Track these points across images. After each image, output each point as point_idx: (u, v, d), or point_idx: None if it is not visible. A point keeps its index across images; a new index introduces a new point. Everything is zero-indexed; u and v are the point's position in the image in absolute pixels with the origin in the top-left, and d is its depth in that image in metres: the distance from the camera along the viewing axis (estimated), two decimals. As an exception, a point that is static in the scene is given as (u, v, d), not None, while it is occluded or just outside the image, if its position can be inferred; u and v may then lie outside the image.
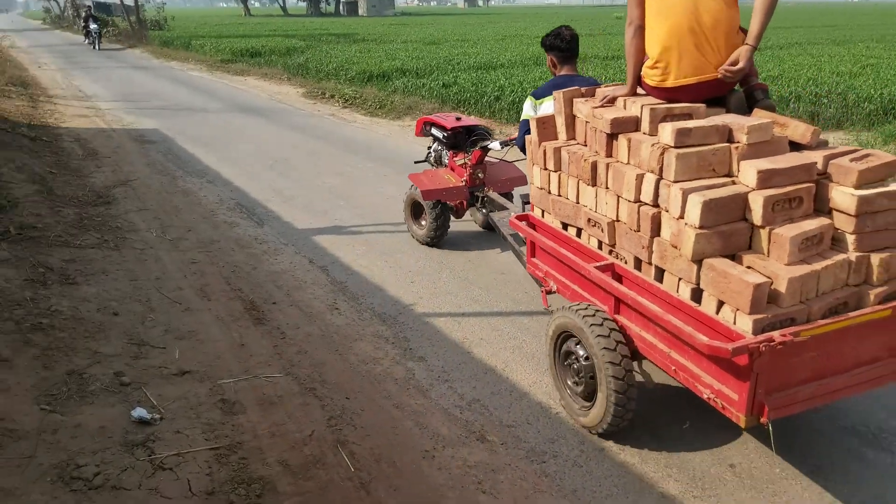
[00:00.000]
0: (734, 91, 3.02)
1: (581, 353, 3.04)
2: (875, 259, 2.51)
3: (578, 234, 3.25)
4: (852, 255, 2.49)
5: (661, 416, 3.22)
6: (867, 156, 2.57)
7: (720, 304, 2.47)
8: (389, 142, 9.91)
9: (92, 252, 5.26)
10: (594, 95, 3.20)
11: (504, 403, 3.36)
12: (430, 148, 5.97)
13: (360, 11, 77.97)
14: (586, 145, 3.13)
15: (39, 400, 3.18)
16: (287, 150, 9.35)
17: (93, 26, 28.83)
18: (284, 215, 6.49)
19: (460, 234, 5.80)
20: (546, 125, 3.35)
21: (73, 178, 7.64)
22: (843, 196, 2.49)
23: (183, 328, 4.07)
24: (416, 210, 5.66)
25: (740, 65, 2.78)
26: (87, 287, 4.54)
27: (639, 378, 2.98)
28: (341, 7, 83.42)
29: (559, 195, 3.32)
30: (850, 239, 2.51)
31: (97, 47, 28.06)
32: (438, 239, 5.48)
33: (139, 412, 3.11)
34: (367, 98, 13.38)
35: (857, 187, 2.48)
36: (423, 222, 5.54)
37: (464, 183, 5.25)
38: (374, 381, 3.55)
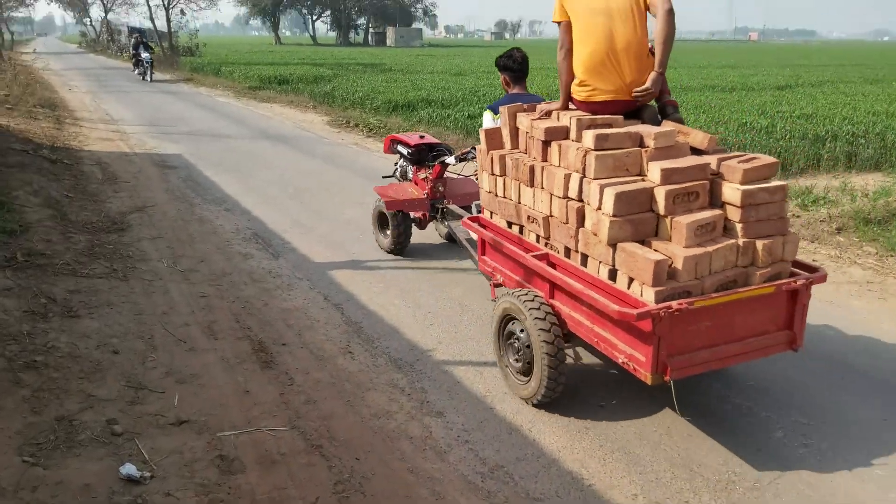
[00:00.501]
0: (648, 106, 3.60)
1: (521, 333, 3.49)
2: (759, 244, 3.02)
3: (521, 231, 3.75)
4: (740, 241, 2.99)
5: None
6: (753, 159, 3.08)
7: (630, 280, 2.95)
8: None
9: (99, 282, 5.05)
10: (535, 111, 3.70)
11: (531, 471, 3.02)
12: (396, 164, 6.41)
13: (389, 42, 79.16)
14: (527, 153, 3.62)
15: (23, 450, 2.92)
16: (309, 178, 9.17)
17: (144, 55, 25.01)
18: (301, 247, 6.25)
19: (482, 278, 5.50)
20: (493, 136, 3.89)
21: (90, 202, 7.50)
22: (731, 191, 3.01)
23: (185, 370, 3.80)
24: (381, 221, 6.06)
25: (648, 86, 3.34)
26: (90, 321, 4.30)
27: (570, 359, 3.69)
28: (370, 37, 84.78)
29: (504, 197, 3.82)
30: (738, 227, 3.00)
31: (149, 78, 24.63)
32: (401, 247, 5.91)
33: (128, 469, 2.83)
34: (392, 128, 13.23)
35: (743, 184, 2.99)
36: (388, 232, 5.92)
37: (425, 195, 5.66)
38: (386, 439, 3.23)
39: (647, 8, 3.37)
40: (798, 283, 3.10)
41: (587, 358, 4.07)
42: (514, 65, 4.53)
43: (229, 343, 4.20)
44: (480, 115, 13.48)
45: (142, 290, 5.01)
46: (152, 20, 38.24)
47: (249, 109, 17.17)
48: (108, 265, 5.46)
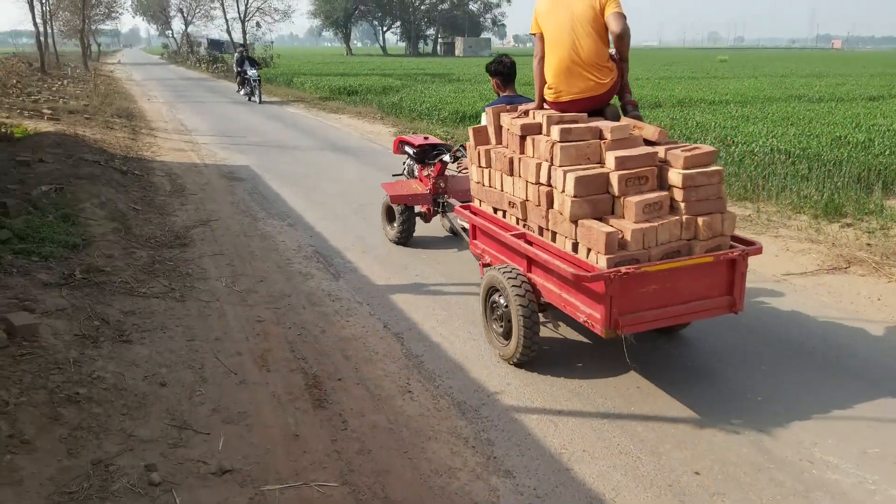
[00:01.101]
0: (611, 105, 4.15)
1: (502, 302, 3.99)
2: (700, 220, 3.52)
3: (504, 215, 4.29)
4: (683, 217, 3.50)
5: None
6: (694, 148, 3.60)
7: (588, 251, 3.48)
8: (480, 187, 9.30)
9: (155, 303, 4.87)
10: (516, 111, 4.24)
11: (615, 555, 2.58)
12: (404, 163, 6.95)
13: (457, 52, 79.35)
14: (507, 147, 4.20)
15: (53, 500, 2.67)
16: (373, 192, 8.90)
17: (251, 72, 21.17)
18: (363, 267, 5.96)
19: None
20: (481, 133, 4.47)
21: (155, 215, 7.45)
22: (675, 175, 3.52)
23: (233, 408, 3.52)
24: (389, 214, 6.60)
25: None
26: (140, 347, 4.10)
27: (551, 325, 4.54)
28: (439, 47, 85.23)
29: (490, 186, 4.38)
30: (682, 206, 3.51)
31: (257, 99, 20.66)
32: (406, 239, 6.45)
33: (161, 529, 2.54)
34: (459, 139, 12.90)
35: (684, 169, 3.49)
36: (394, 224, 6.49)
37: (428, 191, 6.19)
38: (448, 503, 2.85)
39: (606, 26, 3.90)
40: (734, 253, 3.59)
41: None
42: (505, 69, 5.13)
43: (282, 376, 3.91)
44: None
45: (197, 311, 4.81)
46: (229, 33, 39.52)
47: (318, 120, 17.21)
48: (166, 283, 5.31)
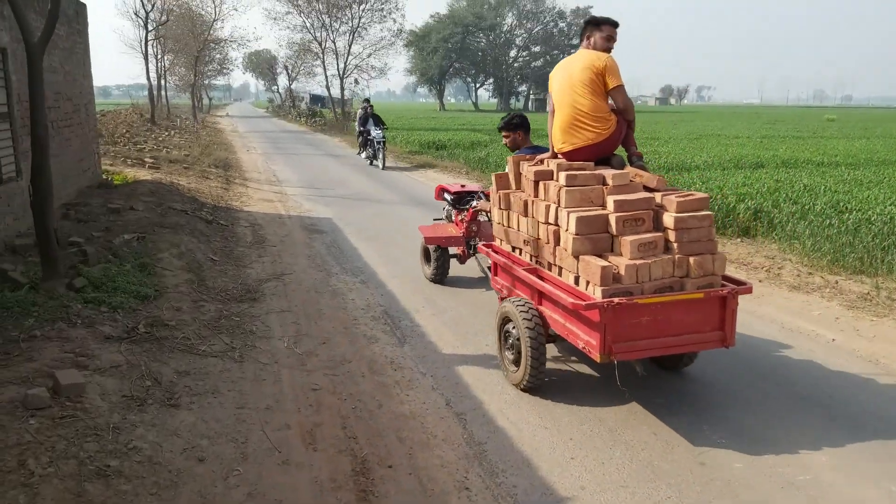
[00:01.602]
0: (616, 155, 4.64)
1: (514, 332, 4.40)
2: (691, 260, 3.93)
3: (521, 253, 4.74)
4: (676, 256, 3.91)
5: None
6: (689, 194, 4.01)
7: (587, 283, 3.91)
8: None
9: (212, 363, 4.68)
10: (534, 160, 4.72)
11: None
12: (444, 208, 7.55)
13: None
14: (524, 191, 4.64)
15: None
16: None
17: (375, 132, 18.24)
18: (431, 332, 5.61)
19: (639, 404, 4.48)
20: (502, 179, 4.98)
21: (231, 267, 7.43)
22: (669, 218, 3.97)
23: (270, 493, 3.18)
24: (426, 255, 7.17)
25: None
26: (186, 413, 3.87)
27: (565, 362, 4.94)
28: (530, 103, 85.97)
29: (508, 226, 4.87)
30: (675, 246, 3.94)
31: (381, 164, 17.94)
32: (441, 277, 7.01)
33: None
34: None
35: (677, 213, 3.93)
36: (430, 263, 7.06)
37: (461, 234, 6.74)
38: None
39: (608, 90, 4.42)
40: (724, 291, 3.93)
41: None
42: (525, 123, 5.58)
43: (328, 458, 3.55)
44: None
45: (253, 375, 4.57)
46: (328, 88, 41.14)
47: (405, 175, 17.28)
48: (228, 341, 5.13)
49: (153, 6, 27.81)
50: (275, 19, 39.54)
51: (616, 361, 3.82)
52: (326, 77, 40.39)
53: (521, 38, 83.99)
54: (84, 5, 11.02)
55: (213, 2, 34.62)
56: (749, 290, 4.04)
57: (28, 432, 3.26)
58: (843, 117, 57.97)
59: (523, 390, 4.35)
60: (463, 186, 7.35)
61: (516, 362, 4.43)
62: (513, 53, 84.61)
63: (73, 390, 3.66)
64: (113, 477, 3.09)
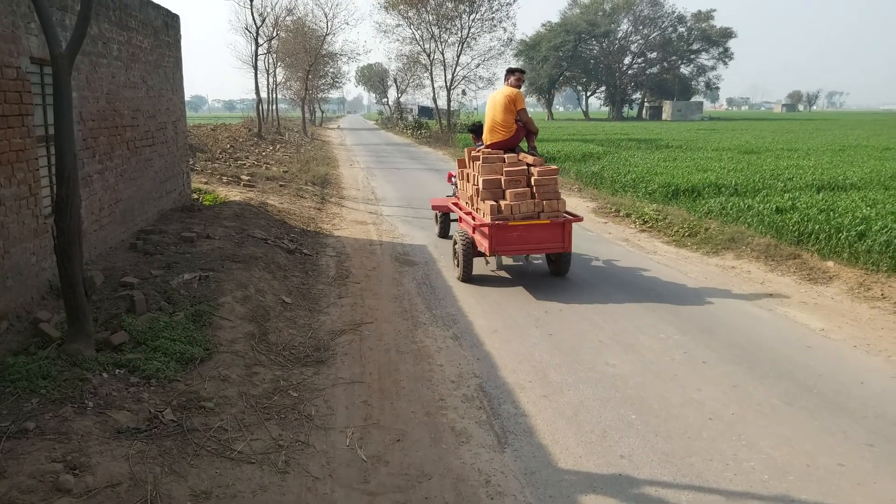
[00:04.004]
0: (519, 147, 7.92)
1: (457, 248, 7.66)
2: (545, 203, 7.07)
3: (467, 204, 8.03)
4: (536, 200, 7.10)
5: None
6: (547, 168, 7.29)
7: (485, 215, 7.15)
8: (705, 293, 7.15)
9: (247, 473, 3.49)
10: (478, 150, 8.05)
11: None
12: (453, 189, 9.79)
13: (664, 116, 75.89)
14: (470, 167, 8.05)
15: None
16: (562, 291, 7.16)
17: None
18: (542, 426, 4.18)
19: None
20: (462, 161, 8.29)
21: (304, 312, 6.33)
22: (532, 179, 7.22)
23: None
24: (436, 218, 10.41)
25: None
26: (184, 580, 2.67)
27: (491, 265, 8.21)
28: (644, 111, 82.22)
29: (463, 189, 8.32)
30: (536, 194, 7.14)
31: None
32: (444, 234, 10.13)
33: None
34: (673, 221, 10.73)
35: (537, 177, 7.16)
36: (437, 224, 10.32)
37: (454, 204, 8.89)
38: None
39: (518, 110, 7.75)
40: (561, 220, 7.10)
41: None
42: (479, 129, 8.78)
43: None
44: (791, 206, 10.40)
45: (296, 498, 3.34)
46: (435, 100, 40.48)
47: (510, 191, 15.88)
48: (275, 434, 3.94)
49: (264, 21, 28.04)
50: (385, 32, 39.35)
51: (498, 256, 7.93)
52: (434, 88, 39.76)
53: (636, 45, 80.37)
54: (176, 16, 10.45)
55: (326, 16, 34.76)
56: (580, 220, 7.49)
57: None
58: None
59: (461, 280, 7.60)
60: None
61: (458, 266, 7.68)
62: (627, 60, 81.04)
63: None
64: None
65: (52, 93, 4.37)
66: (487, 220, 6.91)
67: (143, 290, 5.72)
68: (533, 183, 7.14)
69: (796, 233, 9.15)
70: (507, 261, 8.57)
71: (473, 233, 7.35)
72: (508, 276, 7.96)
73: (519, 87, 7.78)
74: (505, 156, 7.42)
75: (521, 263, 8.38)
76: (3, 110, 5.08)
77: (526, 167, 7.31)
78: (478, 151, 7.72)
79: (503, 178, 7.19)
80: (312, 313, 6.37)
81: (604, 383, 4.82)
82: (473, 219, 7.24)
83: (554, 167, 7.30)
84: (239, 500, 3.26)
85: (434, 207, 9.89)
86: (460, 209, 8.00)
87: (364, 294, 7.11)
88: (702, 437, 4.03)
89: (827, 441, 4.02)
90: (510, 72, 7.91)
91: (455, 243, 7.76)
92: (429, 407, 4.46)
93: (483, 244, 7.13)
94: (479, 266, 8.07)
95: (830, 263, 7.89)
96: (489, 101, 8.01)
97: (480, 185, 7.22)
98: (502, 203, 7.02)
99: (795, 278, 7.71)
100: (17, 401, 3.81)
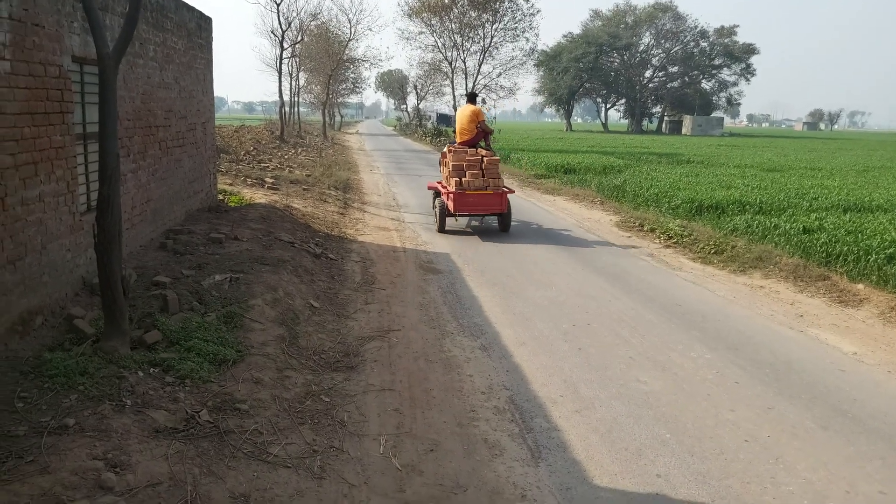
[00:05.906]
0: (479, 145, 12.12)
1: (436, 210, 11.96)
2: (490, 180, 11.30)
3: (445, 182, 12.17)
4: (485, 178, 11.32)
5: None
6: (493, 157, 11.71)
7: (453, 187, 11.54)
8: (734, 311, 7.08)
9: (284, 477, 3.49)
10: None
11: None
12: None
13: (684, 130, 75.54)
14: (449, 157, 11.95)
15: None
16: (590, 308, 7.11)
17: None
18: (575, 441, 4.15)
19: None
20: (444, 155, 12.30)
21: (332, 317, 6.34)
22: (484, 164, 11.48)
23: None
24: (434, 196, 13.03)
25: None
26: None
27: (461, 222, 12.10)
28: (664, 125, 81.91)
29: (442, 172, 12.62)
30: (486, 174, 11.37)
31: None
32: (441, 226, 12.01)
33: None
34: (699, 238, 10.66)
35: (487, 163, 11.46)
36: (434, 201, 12.76)
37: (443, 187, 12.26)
38: None
39: (479, 121, 11.99)
40: (500, 192, 11.23)
41: None
42: (453, 134, 13.20)
43: None
44: (818, 227, 10.33)
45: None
46: (455, 108, 40.53)
47: (531, 202, 15.86)
48: (309, 439, 3.94)
49: (290, 25, 28.25)
50: (407, 39, 39.55)
51: (459, 215, 11.61)
52: (454, 97, 39.86)
53: (657, 59, 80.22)
54: (209, 19, 10.57)
55: (350, 21, 35.01)
56: (512, 192, 11.77)
57: None
58: None
59: (437, 231, 11.46)
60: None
61: (436, 221, 11.65)
62: (648, 74, 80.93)
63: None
64: None
65: (98, 92, 4.42)
66: (453, 189, 10.96)
67: (175, 289, 5.76)
68: (483, 167, 11.23)
69: (824, 254, 9.06)
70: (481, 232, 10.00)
71: (447, 199, 11.27)
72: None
73: (476, 104, 12.52)
74: (467, 149, 11.59)
75: (478, 224, 12.32)
76: (45, 108, 5.15)
77: (480, 157, 11.37)
78: (451, 148, 11.85)
79: (465, 164, 11.22)
80: (340, 318, 6.38)
81: (636, 400, 4.78)
82: (446, 189, 11.41)
83: (497, 157, 11.67)
84: (276, 504, 3.26)
85: (429, 188, 13.01)
86: (442, 186, 11.95)
87: (391, 301, 7.11)
88: (738, 459, 3.99)
89: (865, 467, 3.96)
90: (472, 95, 12.88)
91: (435, 207, 12.01)
92: (460, 418, 4.45)
93: (451, 206, 11.14)
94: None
95: (860, 286, 7.80)
96: (458, 114, 12.50)
97: (450, 168, 11.25)
98: (463, 179, 11.08)
99: (825, 300, 7.62)
100: (55, 396, 3.84)
